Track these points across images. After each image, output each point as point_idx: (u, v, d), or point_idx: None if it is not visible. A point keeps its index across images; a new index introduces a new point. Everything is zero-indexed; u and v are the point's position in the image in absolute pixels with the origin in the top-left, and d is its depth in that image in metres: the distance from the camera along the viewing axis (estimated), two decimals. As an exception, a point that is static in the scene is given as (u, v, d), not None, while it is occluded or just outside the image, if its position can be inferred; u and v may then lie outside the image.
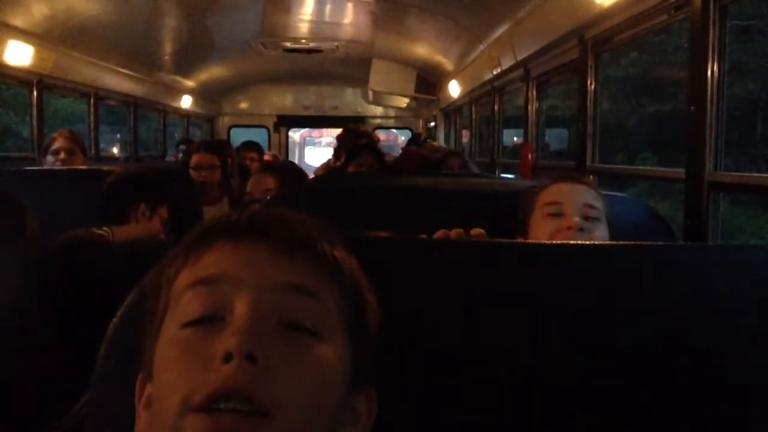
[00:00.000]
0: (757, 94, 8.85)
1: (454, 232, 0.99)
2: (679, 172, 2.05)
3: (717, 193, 1.92)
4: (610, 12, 2.47)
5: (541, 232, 1.33)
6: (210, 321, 0.56)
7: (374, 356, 0.62)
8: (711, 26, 1.89)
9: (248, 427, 0.51)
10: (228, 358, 0.52)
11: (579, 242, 0.88)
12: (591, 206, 1.34)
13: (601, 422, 0.72)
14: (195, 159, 3.16)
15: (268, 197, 2.02)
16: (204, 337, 0.55)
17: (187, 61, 6.36)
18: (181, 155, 4.75)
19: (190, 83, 7.20)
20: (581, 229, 1.29)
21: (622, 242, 0.89)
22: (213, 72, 7.30)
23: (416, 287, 0.76)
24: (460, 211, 1.45)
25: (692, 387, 0.74)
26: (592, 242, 0.80)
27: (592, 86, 2.91)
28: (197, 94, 7.54)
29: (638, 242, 0.83)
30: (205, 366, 0.53)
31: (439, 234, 0.90)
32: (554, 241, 1.24)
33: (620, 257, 0.80)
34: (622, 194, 1.52)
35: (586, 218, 1.32)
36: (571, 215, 1.32)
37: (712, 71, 1.90)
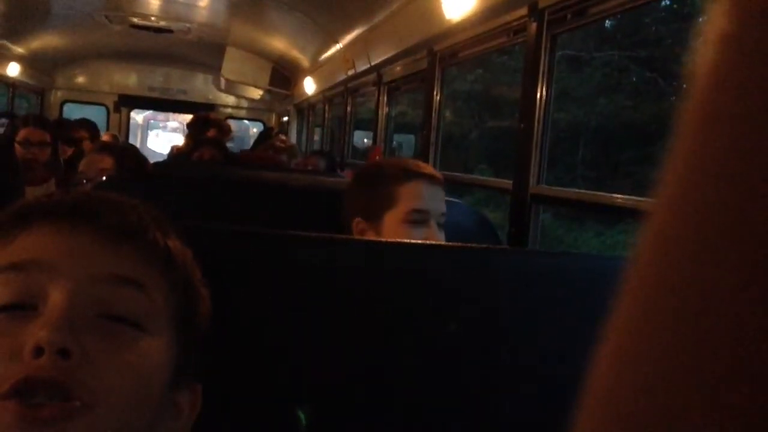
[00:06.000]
0: (580, 119, 9.82)
1: None
2: (508, 183, 2.23)
3: (538, 205, 2.12)
4: (457, 28, 2.62)
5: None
6: (21, 309, 0.52)
7: (202, 352, 0.61)
8: (543, 52, 2.08)
9: (64, 415, 0.49)
10: (38, 352, 0.49)
11: (415, 242, 0.95)
12: (443, 214, 1.30)
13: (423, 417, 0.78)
14: (24, 133, 2.89)
15: (104, 177, 1.90)
16: (12, 325, 0.51)
17: (17, 24, 5.77)
18: (2, 129, 4.30)
19: (19, 50, 6.53)
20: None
21: (451, 243, 0.97)
22: (48, 40, 6.68)
23: (254, 280, 0.77)
24: (304, 207, 1.48)
25: (512, 377, 0.82)
26: (428, 242, 0.86)
27: (438, 97, 3.07)
28: (27, 62, 6.86)
29: (466, 244, 0.90)
30: (13, 357, 0.50)
31: None
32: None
33: (450, 257, 0.87)
34: (456, 200, 1.63)
35: (439, 226, 1.29)
36: (434, 230, 1.27)
37: (541, 94, 2.09)
